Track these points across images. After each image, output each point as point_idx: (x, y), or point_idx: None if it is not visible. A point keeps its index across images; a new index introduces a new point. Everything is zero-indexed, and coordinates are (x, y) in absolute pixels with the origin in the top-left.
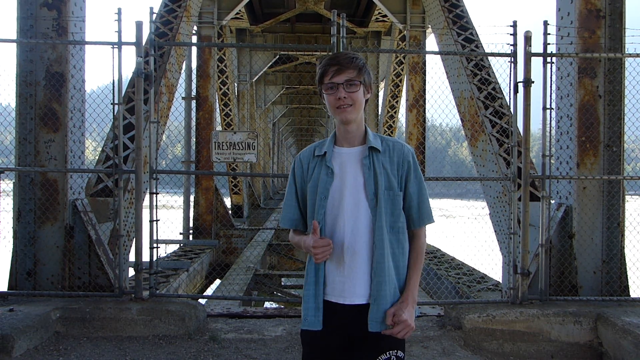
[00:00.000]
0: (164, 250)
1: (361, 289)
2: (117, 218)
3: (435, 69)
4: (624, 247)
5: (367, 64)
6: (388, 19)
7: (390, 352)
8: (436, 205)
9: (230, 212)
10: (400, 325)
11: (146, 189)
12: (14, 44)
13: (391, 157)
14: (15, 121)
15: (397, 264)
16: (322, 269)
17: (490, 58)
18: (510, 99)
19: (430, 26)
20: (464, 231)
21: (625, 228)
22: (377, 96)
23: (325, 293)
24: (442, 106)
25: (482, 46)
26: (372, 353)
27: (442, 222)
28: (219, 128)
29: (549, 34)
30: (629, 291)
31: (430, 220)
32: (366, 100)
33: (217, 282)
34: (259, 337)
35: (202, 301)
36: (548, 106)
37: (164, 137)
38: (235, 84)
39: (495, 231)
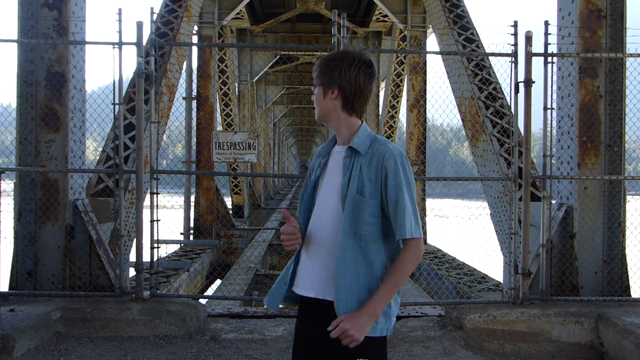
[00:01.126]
0: (164, 251)
1: (315, 283)
2: (118, 218)
3: (436, 69)
4: (625, 248)
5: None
6: (389, 19)
7: None
8: (434, 205)
9: (230, 212)
10: (338, 330)
11: (147, 189)
12: (15, 44)
13: (371, 161)
14: (16, 121)
15: (357, 270)
16: (294, 259)
17: (491, 58)
18: (511, 99)
19: (431, 26)
20: (461, 232)
21: (626, 228)
22: (378, 96)
23: (294, 284)
24: (442, 106)
25: (482, 46)
26: (342, 356)
27: (435, 222)
28: (219, 128)
29: (550, 34)
30: (630, 291)
31: (407, 234)
32: (346, 99)
33: (218, 282)
34: (259, 337)
35: (203, 301)
36: (549, 106)
37: (164, 137)
38: (236, 84)
39: (496, 231)
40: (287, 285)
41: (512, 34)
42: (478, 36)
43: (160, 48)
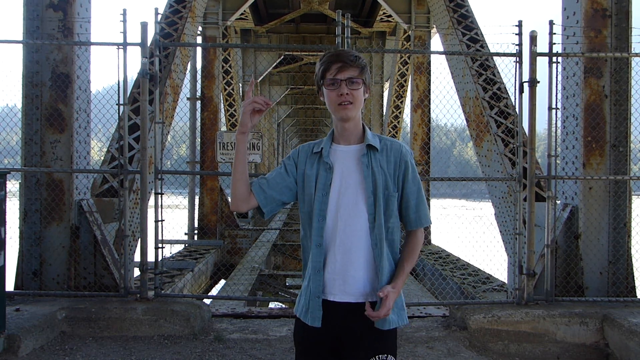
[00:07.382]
0: (169, 251)
1: (352, 287)
2: (123, 218)
3: (440, 69)
4: (630, 248)
5: (372, 64)
6: (393, 19)
7: (381, 356)
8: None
9: (234, 212)
10: (383, 310)
11: (151, 189)
12: (20, 45)
13: (388, 157)
14: (21, 122)
15: (389, 259)
16: (321, 266)
17: (495, 58)
18: (515, 99)
19: (435, 26)
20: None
21: (632, 229)
22: (382, 96)
23: (325, 293)
24: (447, 106)
25: (487, 46)
26: (362, 355)
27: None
28: (223, 128)
29: (555, 33)
30: (635, 292)
31: (427, 222)
32: (364, 100)
33: (222, 282)
34: (263, 337)
35: (207, 301)
36: (554, 106)
37: (169, 137)
38: (240, 85)
39: (500, 231)
40: (320, 298)
41: (516, 34)
42: (482, 36)
43: (164, 49)
